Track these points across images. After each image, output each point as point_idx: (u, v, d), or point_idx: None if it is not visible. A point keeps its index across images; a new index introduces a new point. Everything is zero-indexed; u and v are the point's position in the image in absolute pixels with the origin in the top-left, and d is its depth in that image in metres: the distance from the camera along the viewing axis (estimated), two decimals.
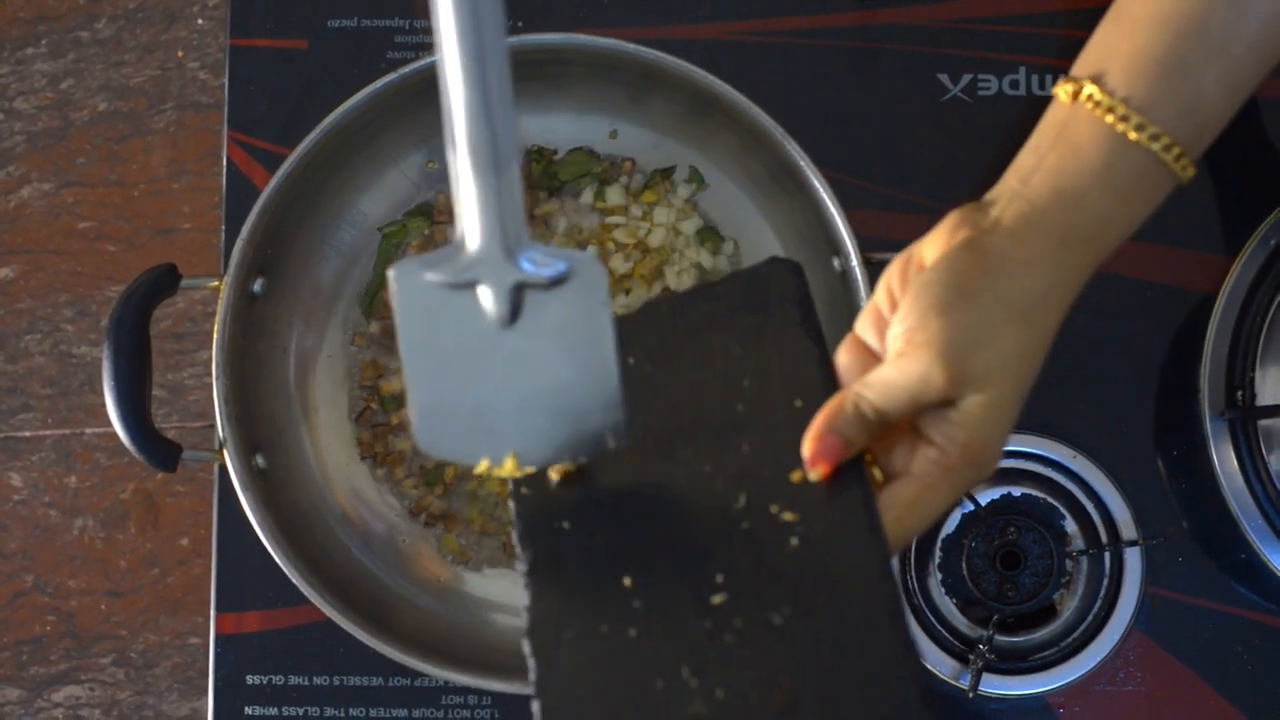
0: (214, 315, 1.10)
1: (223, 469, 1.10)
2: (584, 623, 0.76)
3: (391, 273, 0.76)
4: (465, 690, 1.19)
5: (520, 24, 1.24)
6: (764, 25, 1.25)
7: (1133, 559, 1.16)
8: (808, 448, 0.78)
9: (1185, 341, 1.19)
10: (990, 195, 0.81)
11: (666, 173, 1.21)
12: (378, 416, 1.19)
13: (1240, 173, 1.21)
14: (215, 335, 1.10)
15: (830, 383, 0.81)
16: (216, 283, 1.11)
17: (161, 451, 1.09)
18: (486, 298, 0.75)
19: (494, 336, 0.76)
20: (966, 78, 1.23)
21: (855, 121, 1.24)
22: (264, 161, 1.24)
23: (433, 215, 1.20)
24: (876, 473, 0.80)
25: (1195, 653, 1.17)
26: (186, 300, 1.73)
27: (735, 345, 0.84)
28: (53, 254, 1.77)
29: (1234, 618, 1.18)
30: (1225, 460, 1.14)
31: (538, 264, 0.75)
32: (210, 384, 1.10)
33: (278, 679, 1.21)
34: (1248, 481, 1.14)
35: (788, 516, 0.77)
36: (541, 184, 1.20)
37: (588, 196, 1.20)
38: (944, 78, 1.24)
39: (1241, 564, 1.17)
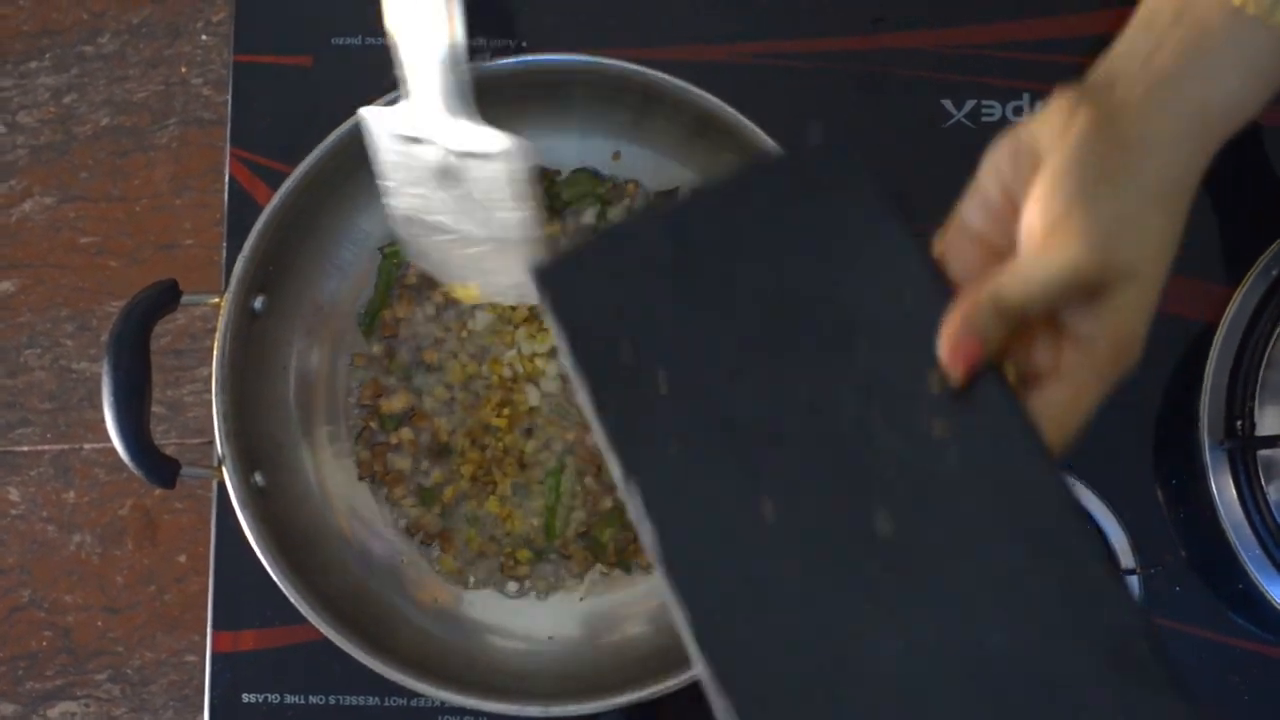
0: (214, 332, 1.10)
1: (221, 486, 1.10)
2: (727, 564, 0.67)
3: (362, 112, 0.95)
4: (462, 711, 1.18)
5: (525, 44, 1.24)
6: (768, 47, 1.24)
7: (1130, 587, 1.15)
8: (946, 349, 0.72)
9: (1185, 370, 1.19)
10: (1101, 76, 0.78)
11: (669, 195, 1.21)
12: (377, 436, 1.19)
13: (1242, 202, 1.21)
14: (215, 352, 1.09)
15: (936, 277, 0.74)
16: (217, 299, 1.11)
17: (160, 468, 1.09)
18: (427, 153, 0.90)
19: (436, 186, 0.92)
20: (970, 103, 1.23)
21: (858, 146, 1.23)
22: (266, 179, 1.24)
23: None
24: (1009, 372, 0.73)
25: (1192, 682, 1.16)
26: (187, 316, 1.73)
27: (813, 236, 0.75)
28: (54, 268, 1.77)
29: (1231, 648, 1.17)
30: (1224, 490, 1.14)
31: (471, 136, 0.91)
32: (210, 401, 1.10)
33: (274, 698, 1.20)
34: (1246, 512, 1.14)
35: (939, 429, 0.69)
36: (544, 204, 1.20)
37: (590, 218, 1.20)
38: (948, 103, 1.23)
39: (1239, 594, 1.16)
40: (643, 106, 1.15)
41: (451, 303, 1.18)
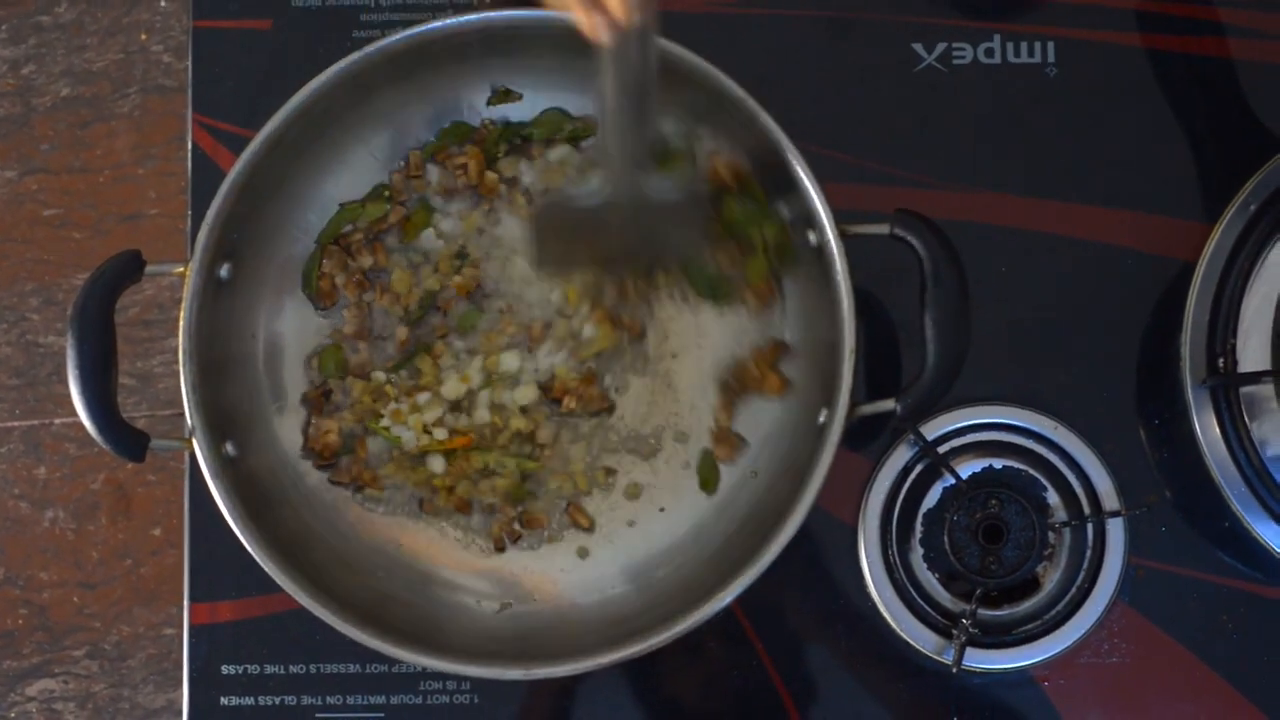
0: (181, 302, 1.09)
1: (193, 457, 1.09)
2: None
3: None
4: (444, 676, 1.18)
5: None
6: None
7: (1115, 530, 1.15)
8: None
9: (1165, 309, 1.18)
10: None
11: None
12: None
13: (1218, 138, 1.21)
14: (182, 322, 1.09)
15: None
16: (182, 269, 1.10)
17: (129, 441, 1.08)
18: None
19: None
20: (941, 46, 1.22)
21: (829, 92, 1.23)
22: (230, 144, 1.23)
23: (390, 196, 1.19)
24: None
25: (1180, 623, 1.17)
26: (155, 287, 1.73)
27: None
28: (17, 242, 1.77)
29: (1219, 587, 1.17)
30: (1207, 428, 1.14)
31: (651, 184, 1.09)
32: (179, 371, 1.09)
33: (253, 668, 1.20)
34: (1230, 449, 1.14)
35: None
36: (506, 141, 1.19)
37: (558, 154, 1.19)
38: (918, 47, 1.23)
39: (1225, 532, 1.16)
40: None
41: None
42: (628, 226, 1.12)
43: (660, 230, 1.13)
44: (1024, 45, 1.22)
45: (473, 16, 1.12)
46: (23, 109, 1.77)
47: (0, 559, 1.73)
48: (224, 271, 1.12)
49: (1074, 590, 1.15)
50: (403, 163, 1.19)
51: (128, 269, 1.10)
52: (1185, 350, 1.14)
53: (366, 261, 1.18)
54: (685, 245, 1.15)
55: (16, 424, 1.75)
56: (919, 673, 1.17)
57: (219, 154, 1.23)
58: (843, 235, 1.06)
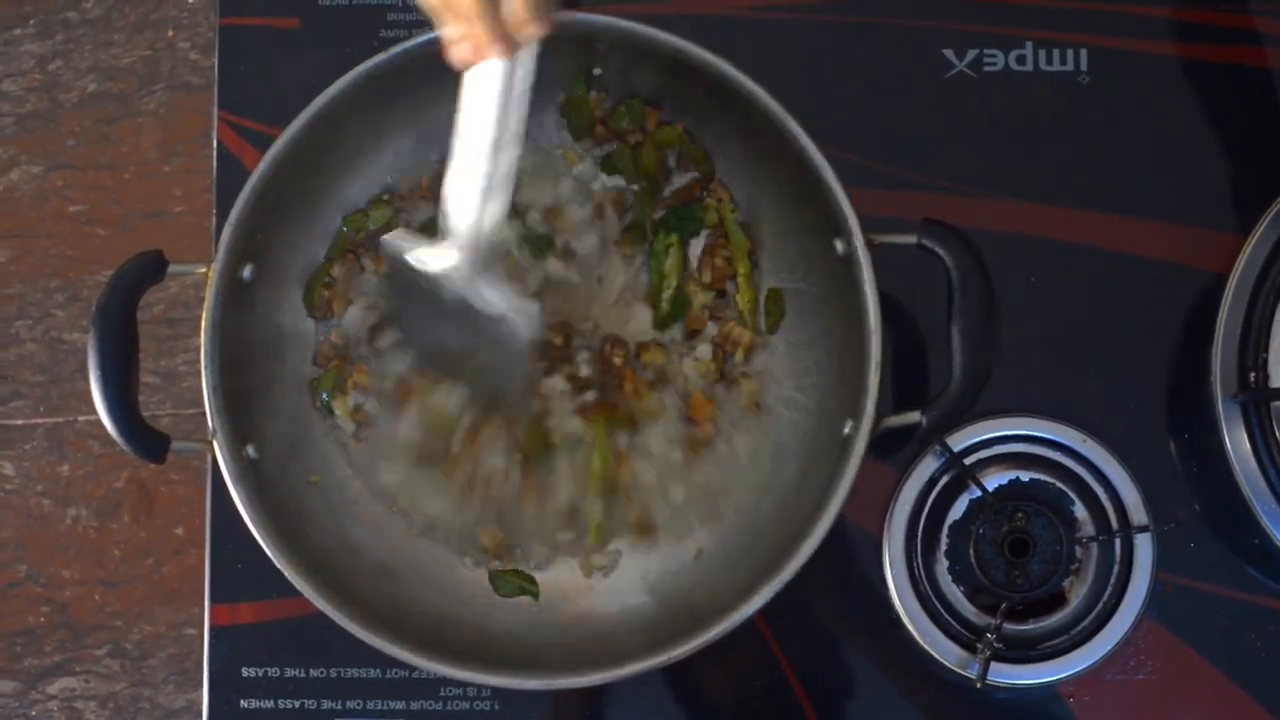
0: (204, 302, 1.09)
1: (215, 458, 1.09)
2: None
3: (384, 239, 1.05)
4: (465, 683, 1.17)
5: None
6: (764, 0, 1.23)
7: (1144, 545, 1.14)
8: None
9: (1196, 322, 1.17)
10: None
11: None
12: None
13: (1252, 149, 1.20)
14: (204, 324, 1.08)
15: None
16: (205, 269, 1.09)
17: (150, 443, 1.08)
18: (439, 286, 1.01)
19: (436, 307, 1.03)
20: (972, 53, 1.22)
21: (858, 98, 1.22)
22: (255, 143, 1.23)
23: (395, 202, 1.18)
24: None
25: (1208, 640, 1.16)
26: (179, 285, 1.73)
27: None
28: (43, 238, 1.77)
29: (1247, 604, 1.16)
30: (1238, 444, 1.13)
31: (493, 294, 1.02)
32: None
33: (274, 671, 1.20)
34: (1261, 465, 1.13)
35: None
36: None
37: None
38: (949, 53, 1.22)
39: (1255, 549, 1.16)
40: (627, 62, 1.15)
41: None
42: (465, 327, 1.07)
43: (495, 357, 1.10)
44: (1056, 53, 1.21)
45: None
46: (49, 105, 1.78)
47: (23, 556, 1.74)
48: (247, 273, 1.12)
49: (1101, 605, 1.14)
50: (424, 180, 1.19)
51: (150, 269, 1.09)
52: (1216, 364, 1.13)
53: (374, 269, 1.17)
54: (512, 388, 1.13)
55: (40, 421, 1.75)
56: (943, 686, 1.16)
57: (244, 152, 1.23)
58: (869, 245, 1.06)
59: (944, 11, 1.22)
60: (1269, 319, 1.13)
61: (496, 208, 1.00)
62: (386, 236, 1.06)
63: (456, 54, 0.92)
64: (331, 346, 1.18)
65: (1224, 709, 1.16)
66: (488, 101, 0.95)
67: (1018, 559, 1.14)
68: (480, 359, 1.09)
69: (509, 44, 0.90)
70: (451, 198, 1.00)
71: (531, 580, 1.16)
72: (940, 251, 1.06)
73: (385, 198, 1.18)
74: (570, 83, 1.17)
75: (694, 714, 1.18)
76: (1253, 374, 1.13)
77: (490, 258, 1.02)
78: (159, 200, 1.76)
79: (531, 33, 0.90)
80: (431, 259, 1.02)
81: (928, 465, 1.16)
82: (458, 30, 0.90)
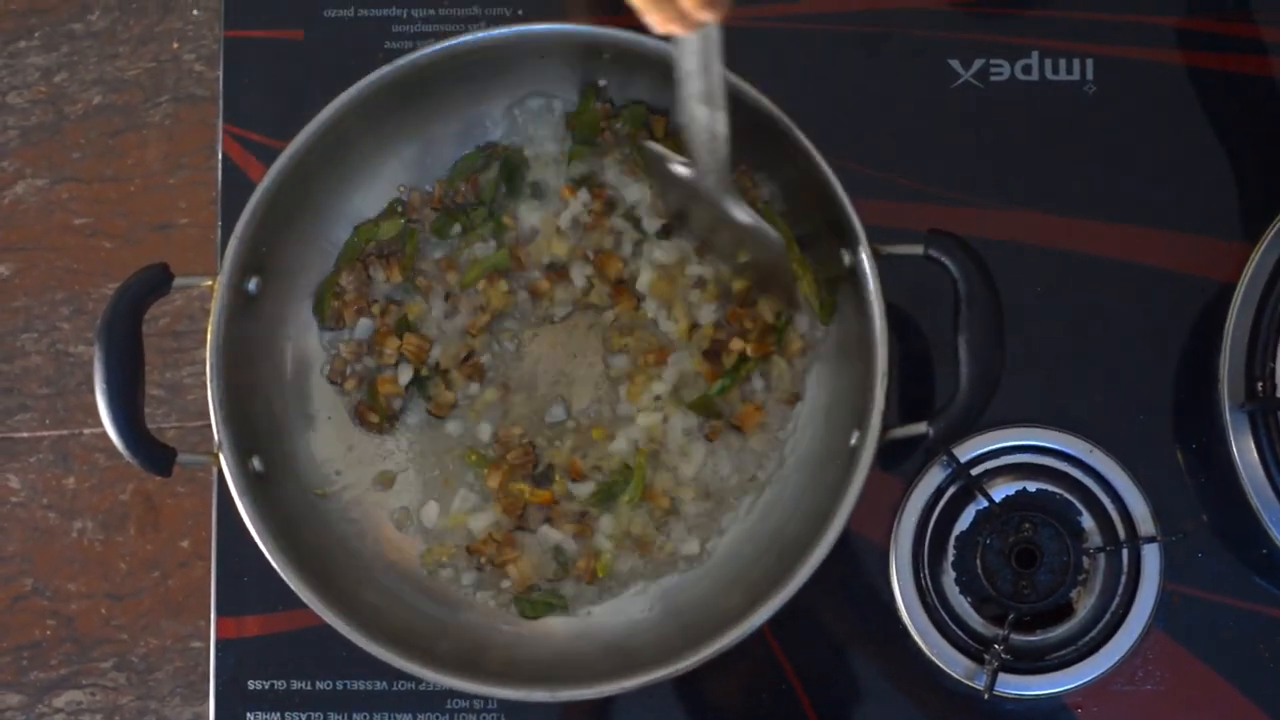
0: (210, 315, 1.09)
1: (221, 471, 1.08)
2: None
3: (648, 144, 1.14)
4: (471, 695, 1.17)
5: (520, 12, 1.23)
6: (770, 10, 1.23)
7: (1151, 555, 1.14)
8: None
9: (1204, 332, 1.17)
10: None
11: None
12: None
13: (1259, 158, 1.20)
14: (209, 337, 1.08)
15: None
16: (210, 282, 1.09)
17: (155, 455, 1.08)
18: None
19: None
20: (978, 63, 1.21)
21: (864, 108, 1.22)
22: (260, 155, 1.23)
23: (406, 212, 1.18)
24: None
25: (1216, 651, 1.16)
26: (184, 297, 1.73)
27: None
28: (48, 251, 1.77)
29: (1256, 615, 1.16)
30: (1245, 453, 1.13)
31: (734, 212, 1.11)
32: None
33: (280, 684, 1.19)
34: (1269, 475, 1.12)
35: None
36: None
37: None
38: (955, 63, 1.22)
39: (1263, 559, 1.15)
40: (627, 73, 1.15)
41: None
42: (712, 220, 1.14)
43: (735, 247, 1.15)
44: (1062, 62, 1.21)
45: (505, 30, 1.12)
46: (54, 117, 1.78)
47: (29, 570, 1.74)
48: (252, 286, 1.12)
49: (1108, 616, 1.14)
50: (430, 188, 1.18)
51: (155, 282, 1.09)
52: (1223, 374, 1.13)
53: (383, 277, 1.17)
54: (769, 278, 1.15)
55: (46, 433, 1.75)
56: (950, 697, 1.16)
57: (249, 164, 1.23)
58: (876, 255, 1.05)
59: (949, 22, 1.22)
60: (1277, 328, 1.13)
61: (720, 128, 1.07)
62: (650, 143, 1.15)
63: (649, 21, 0.97)
64: (343, 362, 1.18)
65: None
66: (689, 58, 1.03)
67: (1025, 570, 1.13)
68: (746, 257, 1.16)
69: (689, 24, 0.96)
70: (682, 129, 1.08)
71: (558, 595, 1.16)
72: (947, 262, 1.06)
73: (399, 209, 1.18)
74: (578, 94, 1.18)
75: None
76: (1260, 384, 1.12)
77: (724, 175, 1.09)
78: (164, 213, 1.76)
79: (705, 19, 0.95)
80: (683, 169, 1.11)
81: (934, 476, 1.16)
82: (646, 6, 0.96)
